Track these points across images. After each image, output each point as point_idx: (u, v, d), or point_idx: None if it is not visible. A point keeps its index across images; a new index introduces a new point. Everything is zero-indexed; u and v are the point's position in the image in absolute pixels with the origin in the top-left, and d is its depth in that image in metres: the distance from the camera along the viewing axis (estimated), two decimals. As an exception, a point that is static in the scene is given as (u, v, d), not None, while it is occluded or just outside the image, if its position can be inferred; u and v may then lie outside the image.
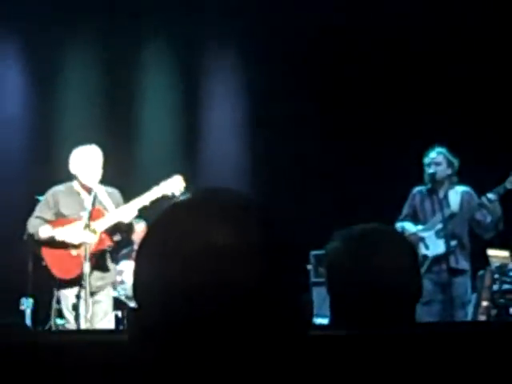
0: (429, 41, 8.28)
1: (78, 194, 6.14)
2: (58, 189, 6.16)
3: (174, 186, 6.11)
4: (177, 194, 6.06)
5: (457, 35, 8.19)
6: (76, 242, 5.96)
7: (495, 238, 6.45)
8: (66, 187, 6.17)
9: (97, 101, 8.39)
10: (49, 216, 6.07)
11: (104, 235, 6.08)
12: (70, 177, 6.16)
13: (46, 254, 5.99)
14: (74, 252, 6.01)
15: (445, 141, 6.54)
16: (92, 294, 5.92)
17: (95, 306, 5.96)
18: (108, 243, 6.14)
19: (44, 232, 6.00)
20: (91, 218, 5.98)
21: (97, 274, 6.06)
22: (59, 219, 6.08)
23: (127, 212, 6.08)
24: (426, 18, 8.21)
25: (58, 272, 5.97)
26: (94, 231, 5.94)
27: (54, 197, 6.12)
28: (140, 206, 6.04)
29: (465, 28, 8.09)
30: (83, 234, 5.90)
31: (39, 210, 6.11)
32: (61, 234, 6.00)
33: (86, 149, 6.19)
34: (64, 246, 5.99)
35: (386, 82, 8.29)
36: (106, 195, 6.15)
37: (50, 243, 5.97)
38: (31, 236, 6.05)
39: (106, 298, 6.18)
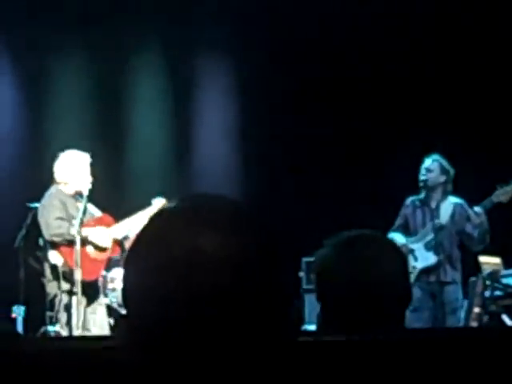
0: (430, 50, 8.25)
1: (71, 198, 6.03)
2: (56, 193, 6.00)
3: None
4: None
5: (456, 44, 8.17)
6: (104, 245, 5.95)
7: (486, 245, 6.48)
8: (58, 192, 6.02)
9: (87, 108, 8.36)
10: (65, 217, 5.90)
11: (114, 242, 6.06)
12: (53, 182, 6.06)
13: (69, 253, 5.79)
14: (94, 254, 5.97)
15: (445, 149, 6.55)
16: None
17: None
18: (119, 251, 6.13)
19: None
20: (102, 223, 5.97)
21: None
22: (89, 220, 5.99)
23: (138, 222, 6.05)
24: (419, 27, 8.21)
25: (83, 274, 5.82)
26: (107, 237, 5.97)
27: (60, 200, 5.96)
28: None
29: (463, 36, 8.09)
30: (108, 239, 5.93)
31: (55, 212, 5.88)
32: (93, 234, 5.93)
33: (77, 153, 6.08)
34: (92, 247, 5.94)
35: (385, 86, 8.23)
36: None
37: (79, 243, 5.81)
38: (58, 236, 5.82)
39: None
